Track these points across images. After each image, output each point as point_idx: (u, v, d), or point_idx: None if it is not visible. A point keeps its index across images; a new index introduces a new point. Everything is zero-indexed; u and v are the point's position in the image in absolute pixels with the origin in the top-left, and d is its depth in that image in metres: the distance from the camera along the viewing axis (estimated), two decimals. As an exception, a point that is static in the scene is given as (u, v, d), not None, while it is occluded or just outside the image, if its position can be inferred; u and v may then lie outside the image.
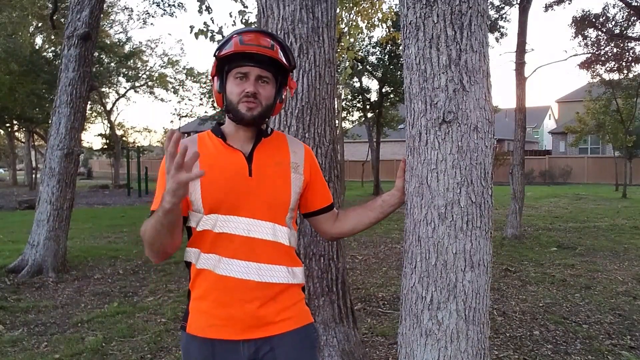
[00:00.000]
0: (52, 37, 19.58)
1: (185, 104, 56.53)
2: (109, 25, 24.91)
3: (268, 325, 1.42)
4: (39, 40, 23.32)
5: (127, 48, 25.63)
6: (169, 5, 19.61)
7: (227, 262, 1.39)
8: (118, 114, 50.64)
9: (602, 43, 13.27)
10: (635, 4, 11.79)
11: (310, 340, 1.51)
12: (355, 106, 20.08)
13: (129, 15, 40.89)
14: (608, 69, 14.67)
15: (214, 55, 1.42)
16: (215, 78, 1.45)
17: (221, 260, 1.39)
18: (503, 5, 11.82)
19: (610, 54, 13.64)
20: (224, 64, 1.42)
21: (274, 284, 1.43)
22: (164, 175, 1.27)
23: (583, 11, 12.57)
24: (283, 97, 1.50)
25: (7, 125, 24.21)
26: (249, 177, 1.42)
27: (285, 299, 1.45)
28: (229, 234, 1.40)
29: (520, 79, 8.80)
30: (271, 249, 1.43)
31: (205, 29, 6.15)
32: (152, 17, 32.40)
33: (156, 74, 29.11)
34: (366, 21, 8.05)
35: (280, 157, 1.49)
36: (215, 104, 18.94)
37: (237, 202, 1.40)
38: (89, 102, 21.20)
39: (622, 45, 13.29)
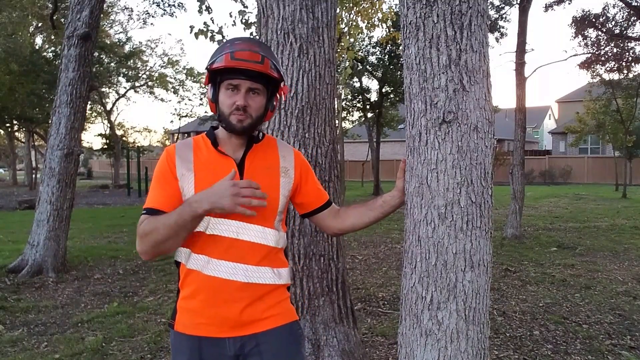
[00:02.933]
0: (52, 37, 19.57)
1: (185, 104, 56.44)
2: (109, 25, 24.92)
3: (254, 323, 1.47)
4: (39, 40, 23.37)
5: (127, 48, 25.64)
6: (169, 5, 19.65)
7: (216, 263, 1.44)
8: (118, 114, 50.69)
9: (602, 43, 13.25)
10: (635, 4, 11.78)
11: (294, 337, 1.56)
12: (355, 106, 20.07)
13: (129, 15, 40.96)
14: (608, 69, 14.67)
15: (206, 68, 1.46)
16: (209, 86, 1.49)
17: (210, 261, 1.44)
18: (503, 5, 11.81)
19: (610, 54, 13.63)
20: (217, 75, 1.45)
21: (260, 284, 1.47)
22: (164, 176, 1.45)
23: (583, 11, 12.55)
24: (274, 104, 1.53)
25: (7, 125, 24.22)
26: None
27: (270, 298, 1.50)
28: (219, 235, 1.44)
29: (520, 79, 8.80)
30: (259, 251, 1.47)
31: (205, 29, 6.15)
32: (152, 17, 32.46)
33: (156, 74, 29.12)
34: (366, 21, 8.04)
35: (270, 162, 1.54)
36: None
37: None
38: (89, 102, 21.23)
39: (622, 45, 13.27)
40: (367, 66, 18.12)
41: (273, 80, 1.48)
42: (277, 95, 1.54)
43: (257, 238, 1.46)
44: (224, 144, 1.51)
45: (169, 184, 1.46)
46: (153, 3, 25.71)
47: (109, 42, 23.02)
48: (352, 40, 8.27)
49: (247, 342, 1.47)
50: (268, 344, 1.48)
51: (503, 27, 12.22)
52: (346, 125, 21.41)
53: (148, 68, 29.40)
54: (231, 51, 1.40)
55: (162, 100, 52.55)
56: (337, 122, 5.28)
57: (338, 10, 5.02)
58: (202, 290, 1.45)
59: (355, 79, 18.34)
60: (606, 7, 12.61)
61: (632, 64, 13.71)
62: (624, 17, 12.33)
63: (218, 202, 1.28)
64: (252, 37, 1.66)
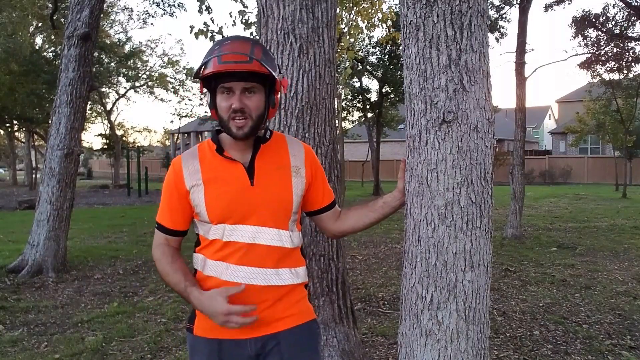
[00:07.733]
0: (52, 37, 19.57)
1: (185, 104, 56.38)
2: (109, 25, 24.93)
3: (274, 322, 1.47)
4: (39, 40, 23.36)
5: (127, 48, 25.64)
6: (169, 5, 19.67)
7: (234, 268, 1.43)
8: (118, 114, 50.62)
9: (602, 43, 13.26)
10: (635, 4, 11.79)
11: (313, 335, 1.57)
12: (355, 106, 20.07)
13: (129, 15, 40.84)
14: (608, 69, 14.68)
15: (195, 76, 1.42)
16: (206, 93, 1.46)
17: (228, 267, 1.43)
18: (503, 5, 11.81)
19: (610, 54, 13.64)
20: (210, 81, 1.42)
21: (280, 286, 1.47)
22: (169, 192, 1.47)
23: (583, 11, 12.55)
24: (275, 101, 1.48)
25: (7, 125, 24.23)
26: (251, 186, 1.44)
27: (290, 297, 1.50)
28: (236, 242, 1.43)
29: (520, 79, 8.79)
30: (276, 253, 1.46)
31: (205, 29, 6.15)
32: (152, 17, 32.49)
33: (156, 74, 29.14)
34: (366, 21, 8.05)
35: (281, 162, 1.50)
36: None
37: (241, 212, 1.42)
38: (89, 102, 21.20)
39: (622, 45, 13.28)
40: (367, 66, 18.11)
41: (268, 75, 1.41)
42: (277, 89, 1.48)
43: (274, 241, 1.45)
44: (231, 147, 1.47)
45: (175, 200, 1.47)
46: (153, 3, 25.71)
47: (109, 42, 23.02)
48: (352, 40, 8.27)
49: (268, 342, 1.47)
50: (288, 343, 1.48)
51: (503, 27, 12.23)
52: (346, 125, 21.40)
53: (148, 68, 29.46)
54: (218, 55, 1.36)
55: (162, 100, 52.52)
56: (337, 122, 5.28)
57: (338, 10, 5.02)
58: None
59: (355, 79, 18.34)
60: (606, 7, 12.64)
61: (632, 64, 13.72)
62: (624, 17, 12.34)
63: (212, 317, 1.36)
64: (239, 35, 1.53)
